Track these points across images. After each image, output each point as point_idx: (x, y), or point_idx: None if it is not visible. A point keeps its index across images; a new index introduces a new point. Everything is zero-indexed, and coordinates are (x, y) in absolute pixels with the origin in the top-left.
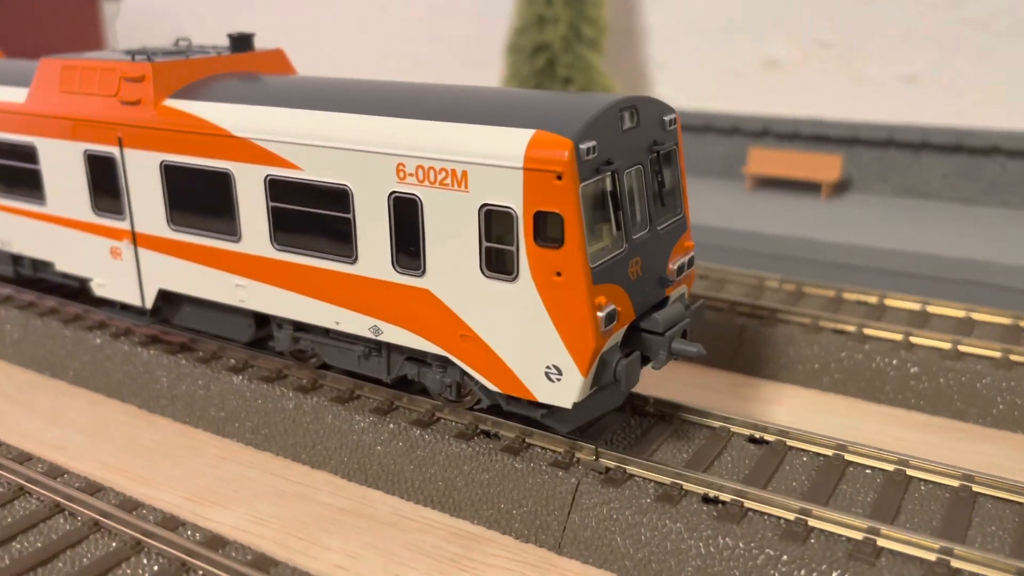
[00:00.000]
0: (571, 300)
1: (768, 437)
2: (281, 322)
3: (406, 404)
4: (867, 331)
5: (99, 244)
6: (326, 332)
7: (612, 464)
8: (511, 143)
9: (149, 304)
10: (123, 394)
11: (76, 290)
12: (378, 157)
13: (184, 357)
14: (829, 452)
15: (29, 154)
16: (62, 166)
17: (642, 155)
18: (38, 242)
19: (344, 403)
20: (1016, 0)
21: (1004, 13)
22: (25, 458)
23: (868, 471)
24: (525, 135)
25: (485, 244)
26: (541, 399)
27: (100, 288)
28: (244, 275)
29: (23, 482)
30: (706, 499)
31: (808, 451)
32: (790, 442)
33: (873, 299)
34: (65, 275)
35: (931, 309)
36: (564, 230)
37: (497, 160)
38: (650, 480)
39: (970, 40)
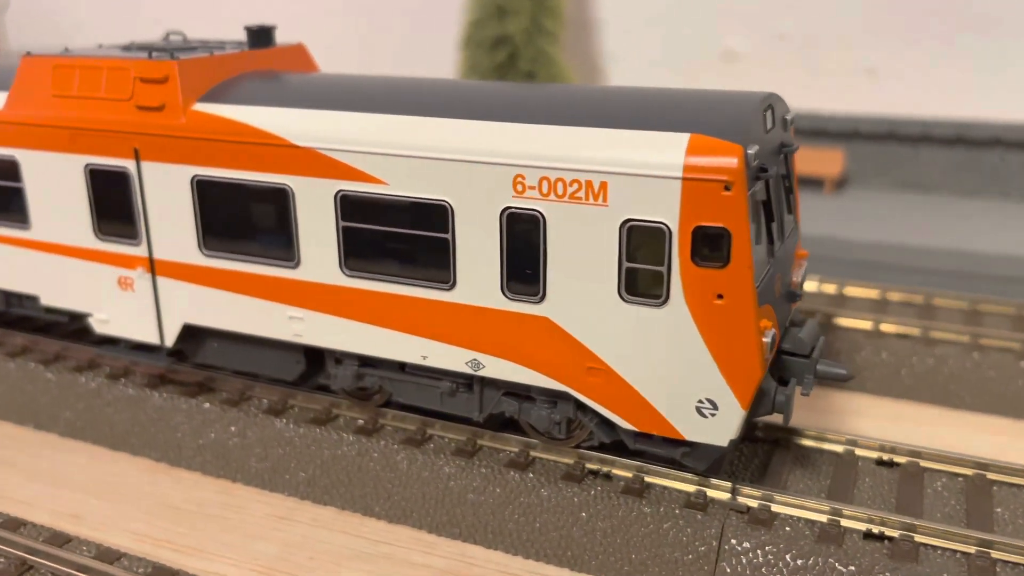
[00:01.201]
0: (736, 326)
1: (898, 459)
2: (341, 357)
3: (491, 443)
4: (934, 334)
5: (102, 274)
6: (401, 367)
7: (753, 502)
8: (664, 149)
9: (170, 341)
10: (133, 446)
11: (54, 328)
12: (491, 168)
13: (206, 399)
14: (969, 472)
15: (7, 170)
16: (53, 183)
17: (777, 158)
18: (17, 273)
19: (419, 445)
20: None
21: (963, 6)
22: (45, 535)
23: (1014, 489)
24: (679, 139)
25: (626, 265)
26: (689, 437)
27: (102, 325)
28: (302, 306)
29: (57, 566)
30: (868, 535)
31: (945, 472)
32: (923, 463)
33: (919, 298)
34: (52, 311)
35: (984, 308)
36: (731, 247)
37: (647, 169)
38: (800, 518)
39: (930, 32)
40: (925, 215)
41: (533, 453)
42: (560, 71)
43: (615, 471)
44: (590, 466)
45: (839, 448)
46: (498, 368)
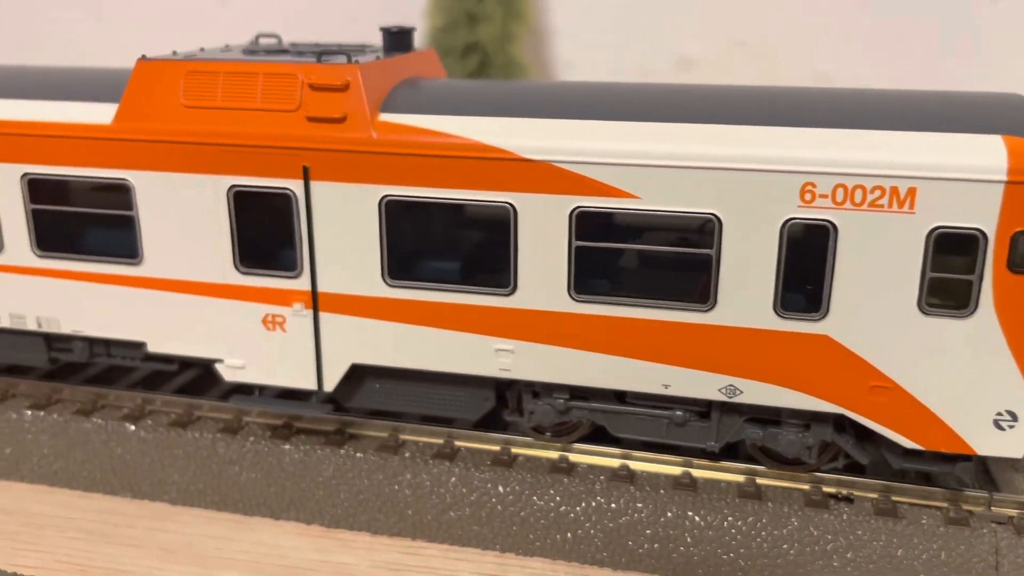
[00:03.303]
0: None
1: None
2: (542, 391)
3: (712, 474)
4: None
5: (242, 313)
6: (619, 398)
7: (1013, 511)
8: (980, 152)
9: (331, 386)
10: (272, 508)
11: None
12: (774, 176)
13: (354, 448)
14: None
15: (115, 196)
16: (179, 210)
17: None
18: (117, 316)
19: (688, 488)
20: (915, 1)
21: (908, 14)
22: None
23: None
24: (992, 142)
25: (930, 275)
26: (982, 452)
27: (236, 372)
28: (514, 337)
29: None
30: None
31: None
32: None
33: None
34: (154, 358)
35: None
36: None
37: (966, 173)
38: None
39: (879, 39)
40: None
41: (759, 480)
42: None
43: (856, 492)
44: (827, 489)
45: None
46: (758, 393)
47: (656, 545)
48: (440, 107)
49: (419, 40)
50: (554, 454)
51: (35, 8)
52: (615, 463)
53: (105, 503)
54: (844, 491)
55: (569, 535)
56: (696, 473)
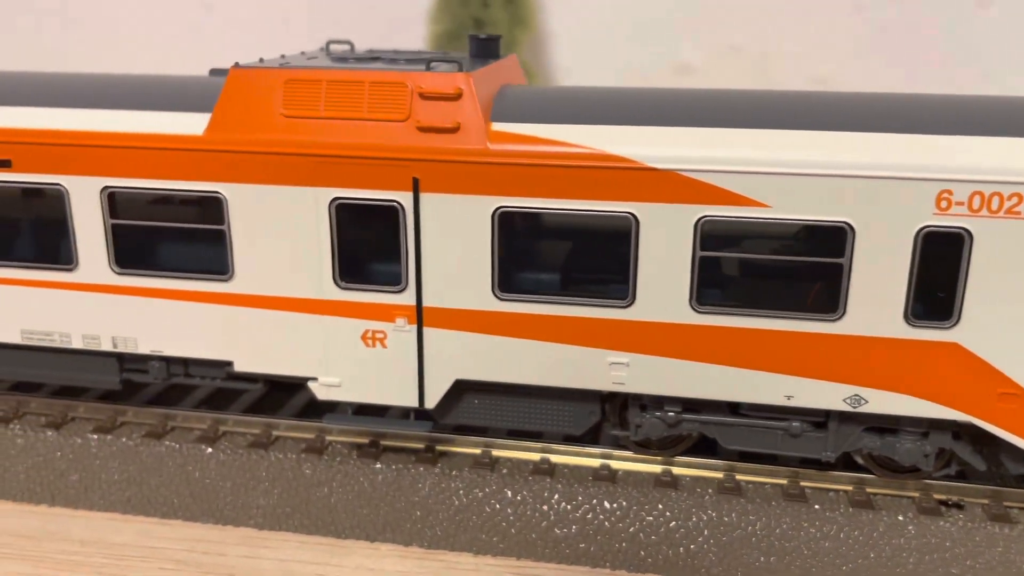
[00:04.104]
0: None
1: None
2: (650, 403)
3: (819, 483)
4: None
5: (341, 329)
6: (732, 410)
7: None
8: None
9: (433, 403)
10: (367, 531)
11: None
12: (910, 184)
13: (448, 464)
14: None
15: (206, 209)
16: (275, 224)
17: None
18: (203, 334)
19: (799, 500)
20: (907, 8)
21: (901, 19)
22: None
23: None
24: None
25: None
26: None
27: (330, 390)
28: (630, 349)
29: None
30: None
31: None
32: None
33: None
34: (239, 378)
35: None
36: None
37: None
38: None
39: (873, 44)
40: None
41: (869, 489)
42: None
43: (967, 499)
44: (937, 496)
45: None
46: (884, 402)
47: (772, 559)
48: (555, 116)
49: (423, 46)
50: (656, 468)
51: (11, 14)
52: (720, 475)
53: (187, 530)
54: (954, 497)
55: (681, 550)
56: (804, 483)
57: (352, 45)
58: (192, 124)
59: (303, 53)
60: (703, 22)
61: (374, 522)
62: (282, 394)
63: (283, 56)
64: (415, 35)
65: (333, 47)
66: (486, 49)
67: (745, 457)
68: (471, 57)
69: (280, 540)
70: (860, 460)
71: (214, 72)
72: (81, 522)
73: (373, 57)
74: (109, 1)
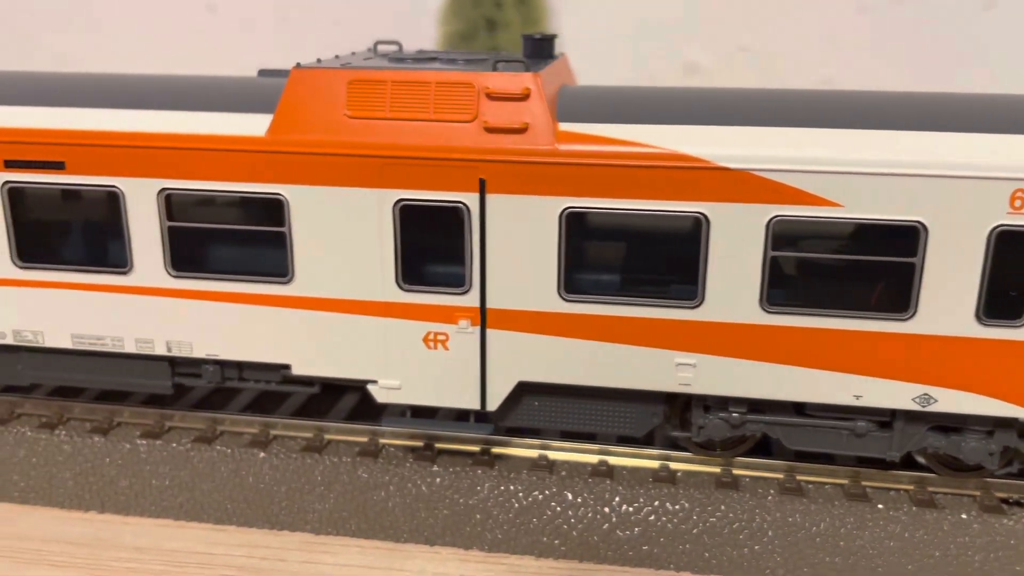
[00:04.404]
0: None
1: None
2: (714, 404)
3: (881, 483)
4: None
5: (402, 331)
6: (798, 410)
7: None
8: None
9: (495, 405)
10: (427, 535)
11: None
12: (984, 184)
13: (506, 467)
14: None
15: (267, 211)
16: (339, 226)
17: None
18: (260, 338)
19: (861, 499)
20: (912, 10)
21: (906, 20)
22: None
23: None
24: None
25: None
26: None
27: (389, 393)
28: (698, 350)
29: None
30: None
31: None
32: None
33: None
34: (294, 381)
35: None
36: None
37: None
38: None
39: (880, 44)
40: None
41: (931, 489)
42: None
43: None
44: (998, 494)
45: None
46: (953, 401)
47: (838, 559)
48: (624, 116)
49: (433, 46)
50: (716, 469)
51: (20, 14)
52: (780, 476)
53: (243, 535)
54: (1015, 495)
55: (746, 551)
56: (866, 483)
57: (400, 45)
58: (253, 125)
59: (354, 53)
60: (711, 23)
61: (433, 526)
62: (329, 397)
63: (337, 56)
64: (422, 35)
65: (382, 47)
66: (541, 49)
67: (801, 457)
68: (525, 57)
69: (339, 545)
70: (922, 459)
71: (263, 73)
72: (133, 529)
73: (430, 57)
74: (112, 3)
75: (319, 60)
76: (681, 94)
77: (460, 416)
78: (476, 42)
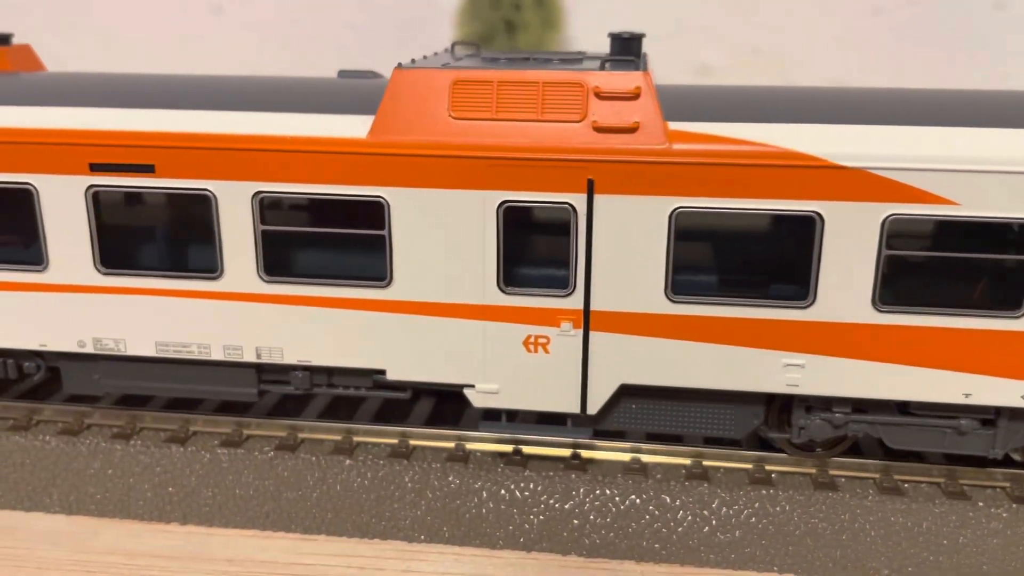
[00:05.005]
0: None
1: None
2: (816, 404)
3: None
4: None
5: (502, 334)
6: (901, 409)
7: None
8: None
9: (595, 408)
10: (524, 541)
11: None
12: None
13: (599, 471)
14: None
15: (366, 214)
16: (439, 227)
17: None
18: (355, 343)
19: (961, 498)
20: (925, 12)
21: (918, 22)
22: None
23: None
24: None
25: None
26: None
27: (487, 397)
28: (808, 350)
29: None
30: None
31: None
32: None
33: None
34: (385, 386)
35: None
36: None
37: None
38: None
39: (889, 46)
40: None
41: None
42: None
43: None
44: None
45: None
46: None
47: (942, 557)
48: (734, 115)
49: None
50: (812, 470)
51: (20, 17)
52: (876, 475)
53: (334, 545)
54: None
55: (849, 551)
56: (963, 481)
57: (478, 46)
58: (354, 127)
59: (436, 54)
60: (724, 25)
61: (528, 532)
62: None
63: (426, 57)
64: (433, 37)
65: (459, 49)
66: (628, 48)
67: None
68: (612, 56)
69: (434, 553)
70: (1019, 456)
71: (343, 74)
72: (219, 540)
73: (523, 58)
74: (114, 6)
75: (413, 60)
76: (781, 93)
77: (545, 419)
78: (495, 44)
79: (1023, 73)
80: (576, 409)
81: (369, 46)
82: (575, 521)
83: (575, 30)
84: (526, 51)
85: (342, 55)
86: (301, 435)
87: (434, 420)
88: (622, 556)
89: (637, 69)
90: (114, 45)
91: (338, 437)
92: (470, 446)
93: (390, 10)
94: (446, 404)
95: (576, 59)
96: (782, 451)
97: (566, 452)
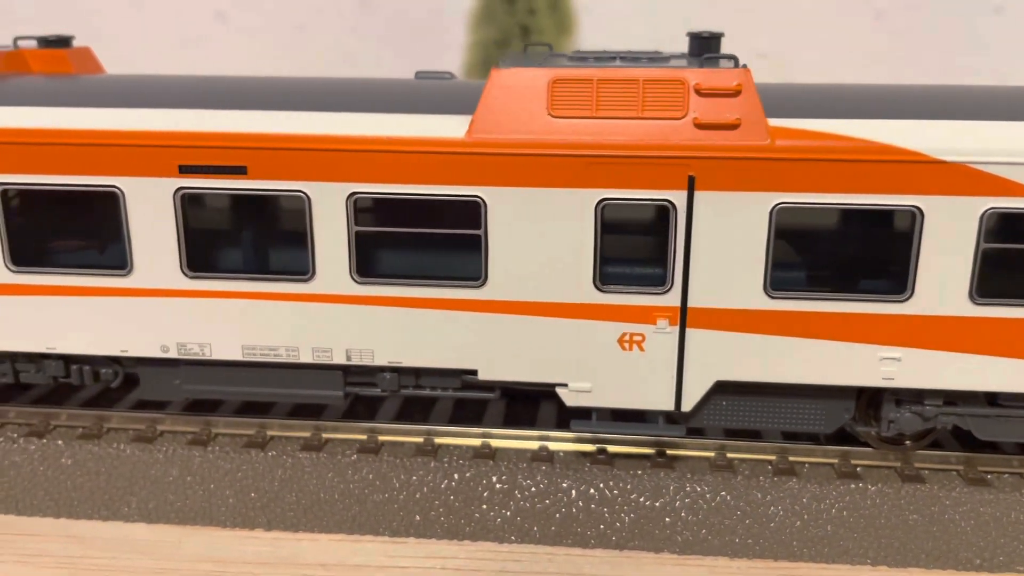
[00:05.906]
0: None
1: None
2: (907, 397)
3: None
4: None
5: (597, 332)
6: (990, 401)
7: None
8: None
9: (690, 405)
10: (623, 538)
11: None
12: None
13: (688, 468)
14: None
15: (462, 214)
16: (536, 226)
17: None
18: (448, 343)
19: None
20: (927, 16)
21: (920, 26)
22: None
23: None
24: None
25: None
26: None
27: (580, 396)
28: (905, 344)
29: None
30: None
31: None
32: None
33: None
34: (473, 387)
35: None
36: None
37: None
38: None
39: (891, 51)
40: None
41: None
42: None
43: None
44: None
45: None
46: None
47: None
48: (832, 111)
49: (461, 52)
50: (896, 462)
51: (20, 23)
52: (960, 467)
53: (425, 547)
54: None
55: (941, 543)
56: None
57: (551, 47)
58: (451, 127)
59: (512, 56)
60: (730, 29)
61: (620, 530)
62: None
63: (510, 58)
64: (441, 41)
65: (531, 50)
66: (707, 47)
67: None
68: (691, 55)
69: (527, 553)
70: None
71: (420, 75)
72: (308, 545)
73: (610, 56)
74: (118, 9)
75: (508, 60)
76: (876, 90)
77: (616, 417)
78: (510, 48)
79: (1023, 76)
80: (670, 406)
81: (374, 52)
82: (666, 519)
83: (584, 34)
84: (611, 51)
85: (348, 61)
86: (381, 438)
87: (509, 421)
88: (716, 553)
89: (738, 66)
90: (116, 50)
91: (419, 439)
92: (552, 446)
93: (394, 16)
94: (519, 405)
95: (663, 58)
96: (867, 445)
97: (650, 450)
